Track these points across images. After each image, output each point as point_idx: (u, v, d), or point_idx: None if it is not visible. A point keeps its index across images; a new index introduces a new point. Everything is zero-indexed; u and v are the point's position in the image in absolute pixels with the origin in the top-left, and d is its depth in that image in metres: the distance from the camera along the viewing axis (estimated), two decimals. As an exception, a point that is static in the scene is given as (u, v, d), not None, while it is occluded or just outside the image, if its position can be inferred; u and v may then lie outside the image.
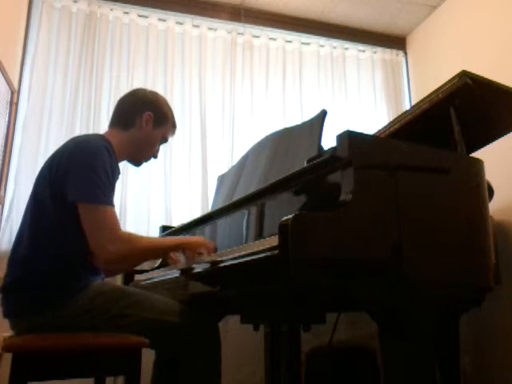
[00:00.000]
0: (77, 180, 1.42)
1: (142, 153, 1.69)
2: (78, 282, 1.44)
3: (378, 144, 1.35)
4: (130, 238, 1.47)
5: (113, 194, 1.50)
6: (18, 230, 1.52)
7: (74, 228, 1.41)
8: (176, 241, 1.65)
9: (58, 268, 1.42)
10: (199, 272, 1.47)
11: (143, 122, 1.63)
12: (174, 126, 1.75)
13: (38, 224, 1.46)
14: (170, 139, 2.72)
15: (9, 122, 2.51)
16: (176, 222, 2.49)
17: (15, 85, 2.57)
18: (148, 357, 1.58)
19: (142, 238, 1.54)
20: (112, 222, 1.42)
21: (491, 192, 1.96)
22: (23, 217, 1.53)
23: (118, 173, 1.59)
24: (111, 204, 1.44)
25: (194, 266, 1.50)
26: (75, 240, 1.41)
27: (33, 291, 1.39)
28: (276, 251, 1.09)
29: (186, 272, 1.55)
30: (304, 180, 1.40)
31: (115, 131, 1.64)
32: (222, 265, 1.34)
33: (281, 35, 3.19)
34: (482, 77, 1.55)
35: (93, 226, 1.40)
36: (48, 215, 1.45)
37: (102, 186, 1.42)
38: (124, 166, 2.64)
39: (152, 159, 1.75)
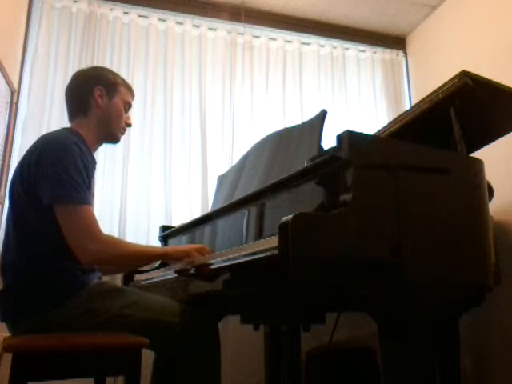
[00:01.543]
0: (49, 182, 1.40)
1: (112, 128, 1.65)
2: (73, 282, 1.44)
3: (378, 144, 1.35)
4: (111, 240, 1.49)
5: (88, 191, 1.47)
6: (4, 234, 1.51)
7: (56, 228, 1.39)
8: (162, 250, 1.64)
9: (49, 269, 1.42)
10: (195, 273, 1.47)
11: (97, 98, 1.61)
12: (128, 88, 1.72)
13: (20, 227, 1.45)
14: (170, 138, 2.76)
15: (9, 121, 2.50)
16: (176, 222, 2.49)
17: (15, 85, 2.57)
18: (148, 357, 1.58)
19: (124, 242, 1.53)
20: (89, 221, 1.41)
21: (491, 192, 1.96)
22: (6, 221, 1.52)
23: (95, 163, 1.57)
24: (86, 203, 1.42)
25: (190, 267, 1.50)
26: (60, 240, 1.39)
27: (28, 295, 1.39)
28: (276, 251, 1.09)
29: (181, 273, 1.55)
30: (304, 180, 1.40)
31: (78, 121, 1.62)
32: (221, 265, 1.34)
33: (281, 35, 3.19)
34: (481, 77, 1.55)
35: (70, 227, 1.38)
36: (28, 217, 1.44)
37: (75, 185, 1.40)
38: (123, 167, 2.65)
39: (128, 129, 1.73)
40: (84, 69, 1.77)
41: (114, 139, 1.70)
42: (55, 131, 1.60)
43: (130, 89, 1.72)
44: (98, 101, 1.61)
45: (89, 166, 1.50)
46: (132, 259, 1.55)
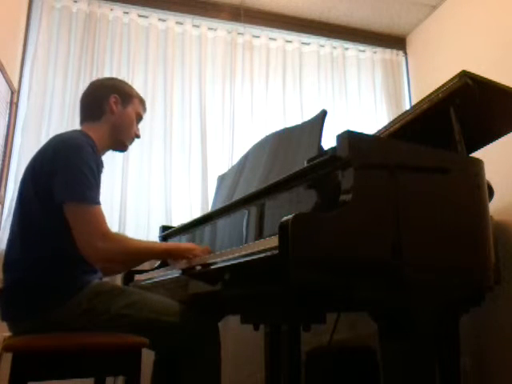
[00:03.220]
0: (63, 180, 1.41)
1: (122, 136, 1.69)
2: (74, 282, 1.44)
3: (378, 144, 1.35)
4: (120, 238, 1.51)
5: (99, 191, 1.50)
6: (9, 233, 1.51)
7: (65, 228, 1.40)
8: (166, 246, 1.65)
9: (52, 269, 1.42)
10: (199, 272, 1.47)
11: (112, 105, 1.65)
12: (141, 102, 1.77)
13: (27, 226, 1.46)
14: (170, 138, 2.76)
15: (9, 121, 2.51)
16: (176, 222, 2.49)
17: (15, 85, 2.57)
18: (148, 357, 1.58)
19: (131, 239, 1.55)
20: (100, 221, 1.42)
21: (491, 192, 1.96)
22: (12, 220, 1.53)
23: (102, 166, 1.59)
24: (98, 203, 1.45)
25: (193, 266, 1.50)
26: (66, 240, 1.40)
27: (29, 294, 1.39)
28: (276, 251, 1.09)
29: (187, 272, 1.56)
30: (304, 180, 1.40)
31: (89, 125, 1.64)
32: (221, 265, 1.34)
33: (281, 35, 3.19)
34: (481, 77, 1.55)
35: (80, 225, 1.40)
36: (35, 216, 1.44)
37: (89, 185, 1.42)
38: (123, 167, 2.65)
39: (136, 140, 1.76)
40: (101, 78, 1.85)
41: (122, 147, 1.74)
42: (67, 132, 1.62)
43: (143, 102, 1.77)
44: (112, 107, 1.64)
45: (99, 168, 1.53)
46: (139, 256, 1.57)
